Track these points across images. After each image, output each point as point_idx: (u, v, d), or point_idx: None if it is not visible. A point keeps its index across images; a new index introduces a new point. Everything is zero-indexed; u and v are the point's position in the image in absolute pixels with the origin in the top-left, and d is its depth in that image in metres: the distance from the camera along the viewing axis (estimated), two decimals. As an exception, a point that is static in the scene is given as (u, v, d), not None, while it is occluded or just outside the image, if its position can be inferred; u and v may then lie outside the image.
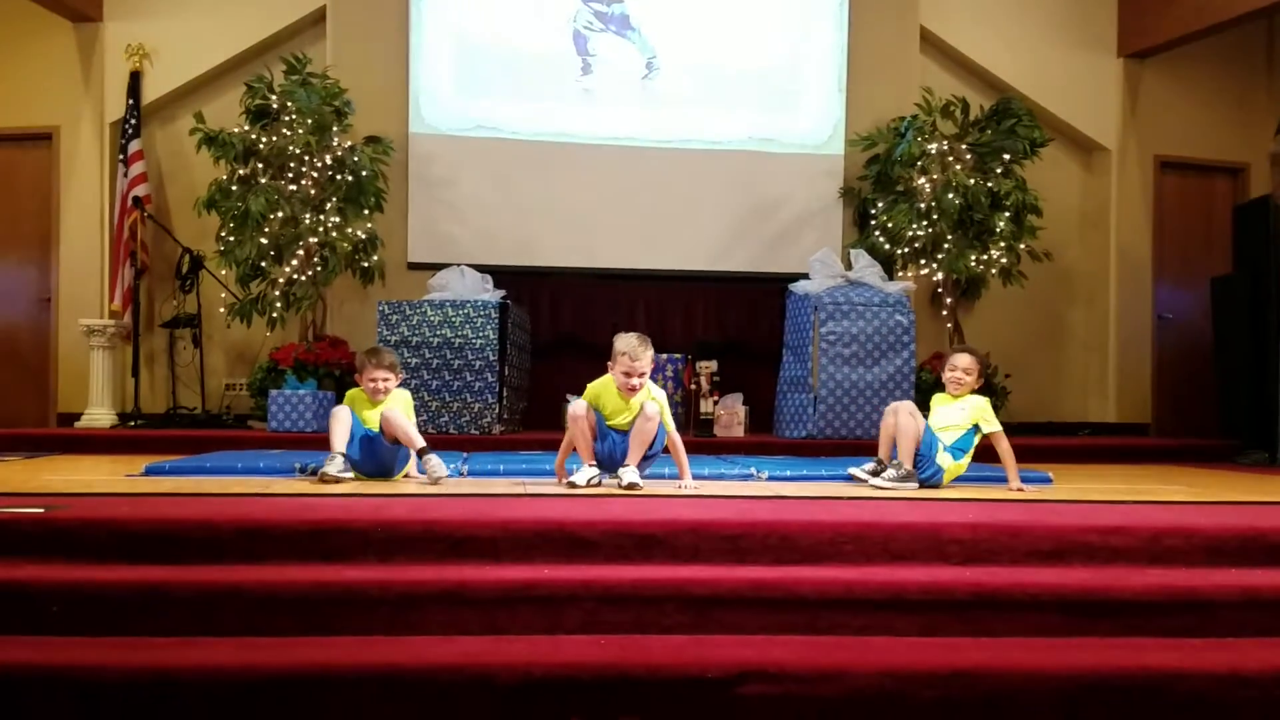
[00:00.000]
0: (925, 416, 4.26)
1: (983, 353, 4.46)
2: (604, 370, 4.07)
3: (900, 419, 4.15)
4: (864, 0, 7.80)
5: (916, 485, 4.10)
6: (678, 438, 4.07)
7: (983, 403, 4.29)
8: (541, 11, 7.53)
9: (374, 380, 4.13)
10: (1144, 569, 2.98)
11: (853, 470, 4.30)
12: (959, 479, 4.28)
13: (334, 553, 2.85)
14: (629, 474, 3.81)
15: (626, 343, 3.91)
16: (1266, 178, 7.69)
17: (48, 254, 7.39)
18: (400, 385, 4.23)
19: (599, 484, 3.86)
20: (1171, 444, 7.03)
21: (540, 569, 2.79)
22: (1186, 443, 7.07)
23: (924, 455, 4.14)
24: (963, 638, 2.70)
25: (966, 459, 4.24)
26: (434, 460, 3.96)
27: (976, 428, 4.24)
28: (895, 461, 4.15)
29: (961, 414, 4.25)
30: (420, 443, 4.01)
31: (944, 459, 4.17)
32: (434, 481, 3.92)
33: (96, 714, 2.32)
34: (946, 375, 4.33)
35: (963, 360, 4.30)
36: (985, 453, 4.35)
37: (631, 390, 3.94)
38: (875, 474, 4.20)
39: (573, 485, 3.84)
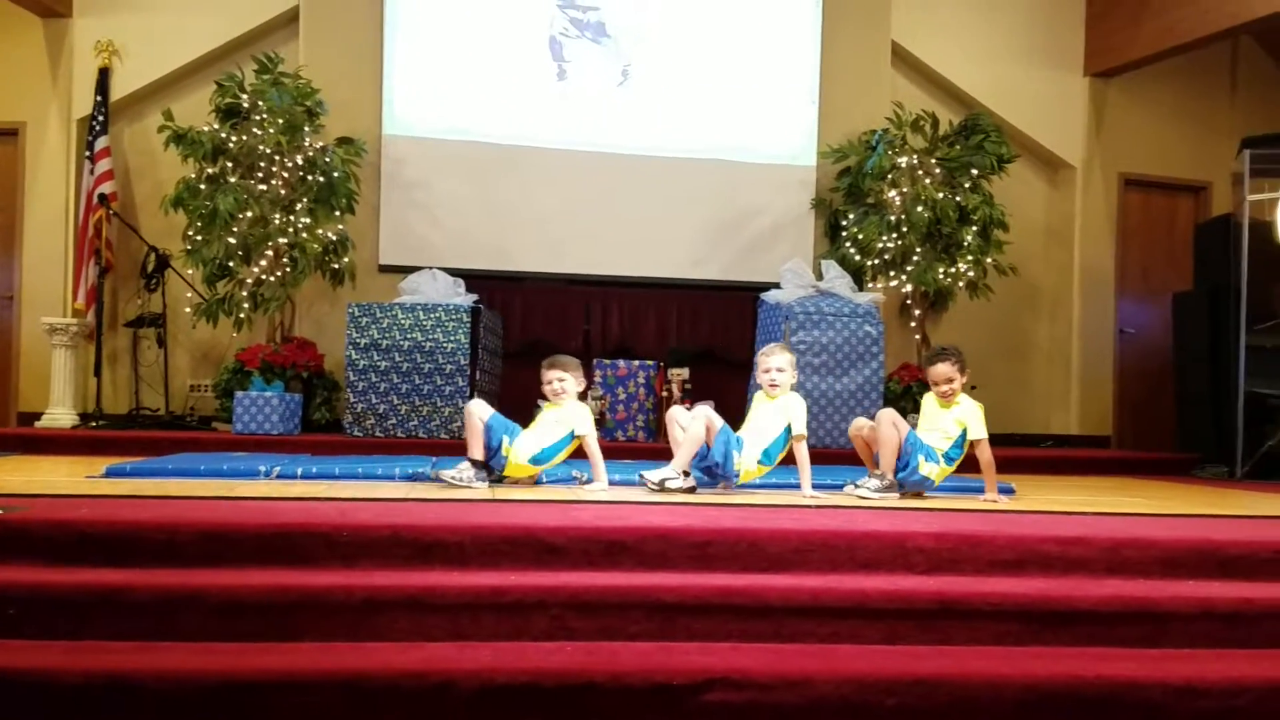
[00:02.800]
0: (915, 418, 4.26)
1: (955, 349, 4.35)
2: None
3: (882, 430, 4.13)
4: (836, 14, 7.88)
5: (898, 495, 4.11)
6: (802, 450, 4.07)
7: (972, 408, 4.25)
8: (517, 17, 7.53)
9: (548, 383, 4.28)
10: (1102, 579, 3.01)
11: (849, 487, 4.25)
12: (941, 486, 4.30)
13: (297, 557, 2.82)
14: (658, 473, 4.03)
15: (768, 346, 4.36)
16: (1228, 196, 7.85)
17: (11, 251, 7.28)
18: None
19: (675, 488, 4.00)
20: (1132, 456, 7.13)
21: (508, 575, 2.78)
22: (1146, 456, 7.17)
23: (909, 464, 4.12)
24: (925, 646, 2.72)
25: (957, 465, 4.26)
26: (465, 471, 4.03)
27: (965, 433, 4.22)
28: (878, 472, 4.16)
29: (952, 419, 4.23)
30: (473, 451, 4.10)
31: (930, 468, 4.15)
32: (445, 479, 4.04)
33: (52, 718, 2.29)
34: (935, 391, 4.31)
35: (935, 373, 4.28)
36: (969, 463, 4.33)
37: (771, 385, 4.19)
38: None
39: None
